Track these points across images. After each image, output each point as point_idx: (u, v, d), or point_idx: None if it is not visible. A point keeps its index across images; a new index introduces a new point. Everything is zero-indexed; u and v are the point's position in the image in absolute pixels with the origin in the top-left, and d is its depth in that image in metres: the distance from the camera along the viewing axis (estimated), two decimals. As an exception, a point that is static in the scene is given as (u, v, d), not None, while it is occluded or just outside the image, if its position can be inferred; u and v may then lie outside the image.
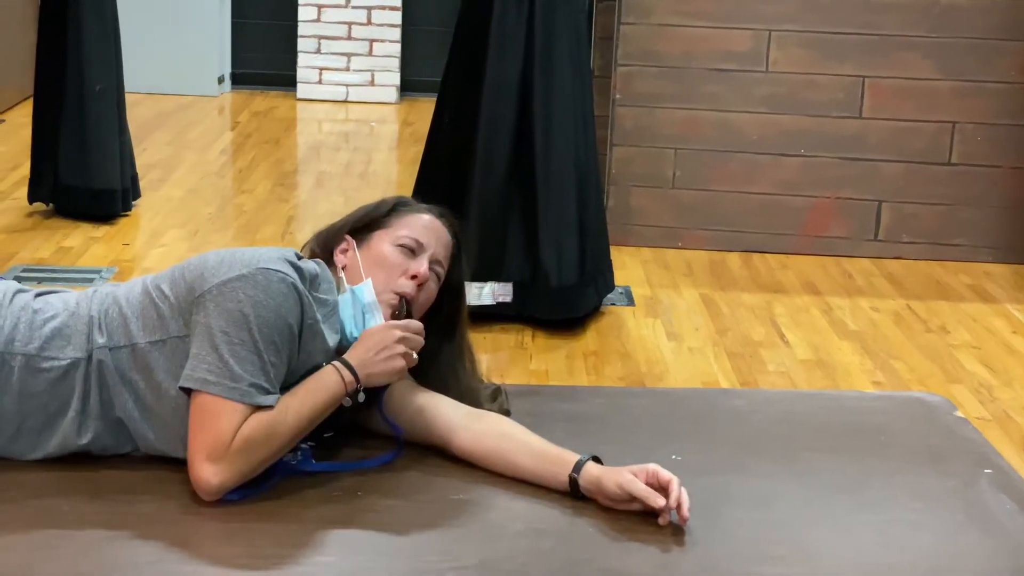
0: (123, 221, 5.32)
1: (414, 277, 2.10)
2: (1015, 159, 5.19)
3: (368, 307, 2.07)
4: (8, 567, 1.76)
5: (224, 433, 1.91)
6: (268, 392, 1.95)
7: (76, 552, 1.80)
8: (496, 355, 4.11)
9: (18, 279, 4.61)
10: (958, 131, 5.18)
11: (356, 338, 2.08)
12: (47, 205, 5.34)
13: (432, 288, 2.15)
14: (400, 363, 2.02)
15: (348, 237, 2.16)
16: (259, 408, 1.93)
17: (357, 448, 2.12)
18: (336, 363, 2.01)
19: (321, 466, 2.05)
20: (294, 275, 1.99)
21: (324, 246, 2.18)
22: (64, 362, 2.00)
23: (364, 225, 2.18)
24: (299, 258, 2.08)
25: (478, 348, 4.09)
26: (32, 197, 5.31)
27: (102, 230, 5.19)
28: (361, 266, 2.11)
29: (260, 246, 2.13)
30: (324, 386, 2.00)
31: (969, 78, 5.13)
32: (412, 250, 2.13)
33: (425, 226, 2.16)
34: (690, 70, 5.18)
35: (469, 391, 2.21)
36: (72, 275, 4.69)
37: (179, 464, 2.00)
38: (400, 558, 1.83)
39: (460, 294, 2.23)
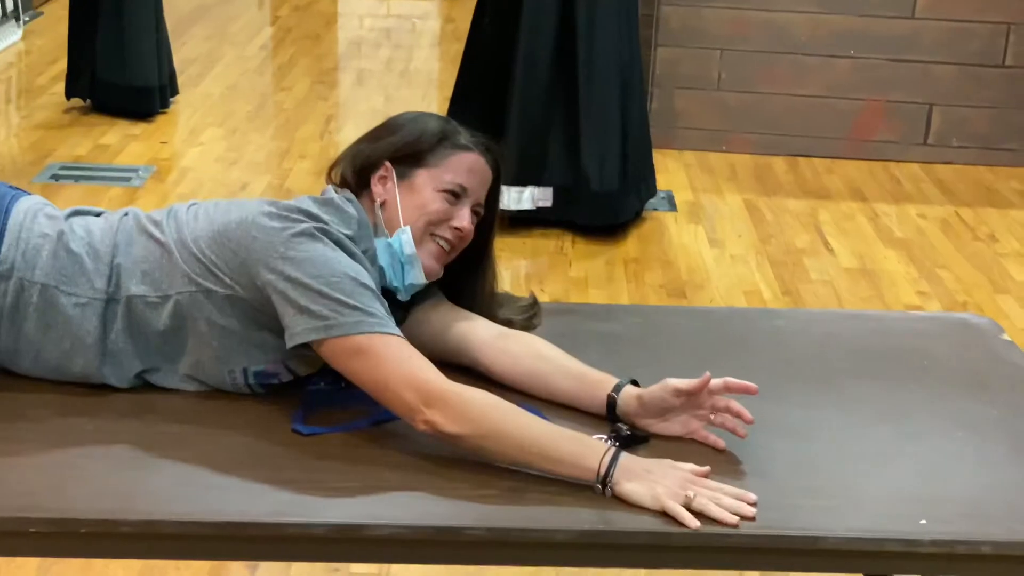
0: (161, 119, 5.28)
1: (457, 229, 2.05)
2: (1072, 62, 5.05)
3: (408, 259, 2.02)
4: (37, 487, 1.75)
5: (403, 371, 1.83)
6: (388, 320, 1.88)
7: (103, 472, 1.79)
8: (535, 261, 4.07)
9: (56, 177, 4.60)
10: (1013, 32, 5.04)
11: (395, 287, 2.02)
12: (84, 101, 5.30)
13: (471, 233, 2.09)
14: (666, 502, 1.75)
15: (388, 164, 2.08)
16: (389, 335, 1.85)
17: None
18: (612, 449, 1.80)
19: (314, 429, 1.92)
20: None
21: (360, 170, 2.08)
22: (83, 300, 1.94)
23: (405, 155, 2.08)
24: (322, 201, 2.00)
25: (517, 254, 4.08)
26: (69, 93, 5.28)
27: (139, 127, 5.15)
28: (400, 206, 2.04)
29: (294, 198, 2.03)
30: (574, 450, 1.80)
31: (1027, -23, 4.98)
32: (456, 195, 2.06)
33: (470, 169, 2.07)
34: (738, -32, 5.04)
35: (486, 304, 2.16)
36: (109, 173, 4.67)
37: (202, 385, 1.99)
38: (431, 486, 1.80)
39: (492, 224, 2.16)
